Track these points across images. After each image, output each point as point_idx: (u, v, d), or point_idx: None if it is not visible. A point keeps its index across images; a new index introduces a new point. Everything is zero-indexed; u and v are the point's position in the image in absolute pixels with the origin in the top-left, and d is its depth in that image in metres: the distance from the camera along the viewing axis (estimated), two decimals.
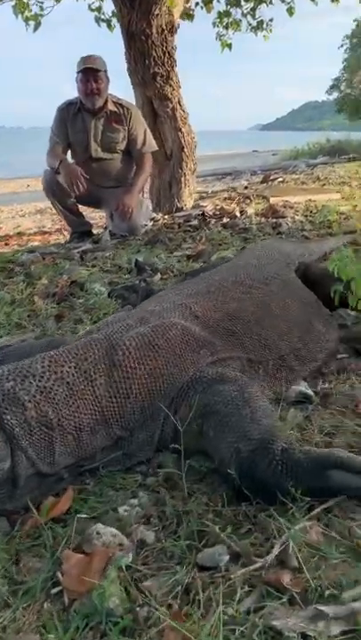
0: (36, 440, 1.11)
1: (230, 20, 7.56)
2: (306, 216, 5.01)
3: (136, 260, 3.05)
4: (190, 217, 4.98)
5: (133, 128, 4.13)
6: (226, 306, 1.54)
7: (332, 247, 3.49)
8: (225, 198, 6.57)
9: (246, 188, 7.51)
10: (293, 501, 1.05)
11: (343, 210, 5.34)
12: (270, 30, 7.72)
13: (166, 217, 5.08)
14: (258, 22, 7.55)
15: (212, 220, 4.73)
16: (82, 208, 4.52)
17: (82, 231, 4.43)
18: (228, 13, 7.52)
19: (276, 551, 0.96)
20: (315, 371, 1.66)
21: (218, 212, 5.08)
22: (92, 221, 4.91)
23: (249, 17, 7.51)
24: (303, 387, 1.55)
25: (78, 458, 1.19)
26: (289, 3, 7.56)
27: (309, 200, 6.03)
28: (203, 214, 5.04)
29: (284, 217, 4.83)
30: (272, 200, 5.93)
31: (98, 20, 7.13)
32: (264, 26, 7.64)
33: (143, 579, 0.95)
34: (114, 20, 7.15)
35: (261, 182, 8.23)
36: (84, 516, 1.11)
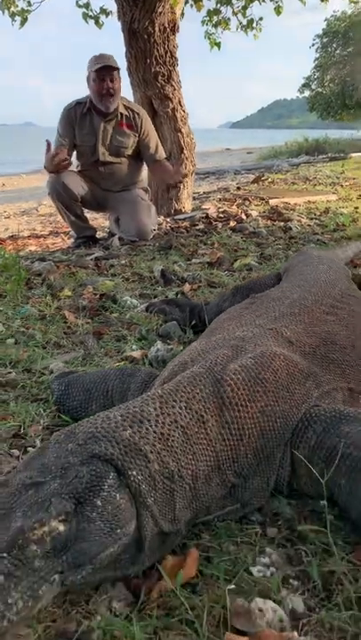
0: (160, 496, 0.98)
1: (220, 18, 7.47)
2: (311, 218, 4.95)
3: (162, 269, 2.91)
4: (194, 220, 4.87)
5: (146, 133, 3.98)
6: (317, 329, 1.43)
7: (355, 252, 3.44)
8: (220, 199, 6.47)
9: (239, 188, 7.43)
10: None
11: (345, 212, 5.32)
12: (260, 29, 7.64)
13: (169, 220, 4.95)
14: (248, 21, 7.45)
15: (219, 224, 4.62)
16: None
17: (86, 236, 4.27)
18: (217, 11, 7.42)
19: None
20: None
21: (222, 215, 4.98)
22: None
23: (239, 15, 7.42)
24: None
25: (196, 511, 1.06)
26: (277, 2, 7.52)
27: (308, 201, 5.99)
28: (207, 217, 4.93)
29: (290, 220, 4.76)
30: (271, 202, 5.87)
31: (85, 16, 6.93)
32: (254, 24, 7.56)
33: None
34: (102, 17, 6.98)
35: (252, 182, 8.16)
36: (231, 587, 0.96)
